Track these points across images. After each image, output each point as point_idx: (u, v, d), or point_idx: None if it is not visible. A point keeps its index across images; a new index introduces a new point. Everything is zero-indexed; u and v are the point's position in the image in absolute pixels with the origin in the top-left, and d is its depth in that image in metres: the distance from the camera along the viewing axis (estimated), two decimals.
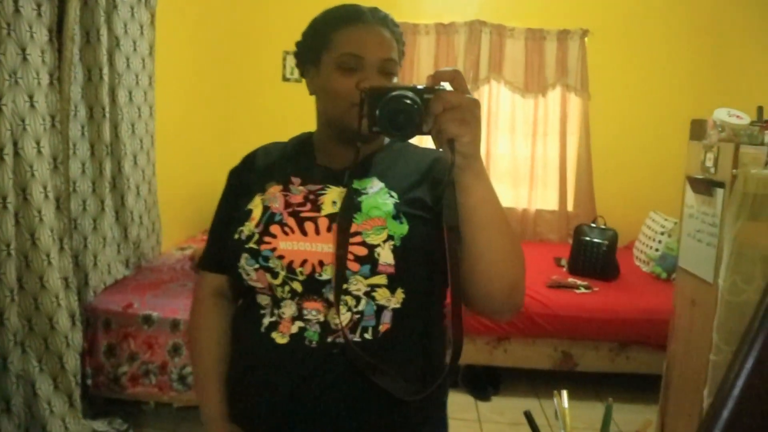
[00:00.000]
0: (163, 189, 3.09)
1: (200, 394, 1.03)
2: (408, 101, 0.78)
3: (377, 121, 0.80)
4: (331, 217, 0.93)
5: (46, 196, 2.09)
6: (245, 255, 0.93)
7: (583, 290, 3.10)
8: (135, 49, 2.70)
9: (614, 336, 2.94)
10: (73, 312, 2.22)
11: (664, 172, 3.78)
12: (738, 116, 2.02)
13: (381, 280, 0.89)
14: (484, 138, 3.11)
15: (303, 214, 0.94)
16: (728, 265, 1.86)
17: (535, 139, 4.06)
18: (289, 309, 0.92)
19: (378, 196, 0.94)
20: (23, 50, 1.94)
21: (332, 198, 0.95)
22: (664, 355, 2.31)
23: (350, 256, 0.89)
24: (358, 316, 0.90)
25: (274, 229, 0.94)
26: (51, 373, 2.14)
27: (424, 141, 0.96)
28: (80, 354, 2.26)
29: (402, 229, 0.90)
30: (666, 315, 2.46)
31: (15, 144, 1.96)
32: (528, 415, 0.72)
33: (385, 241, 0.88)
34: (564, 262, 3.50)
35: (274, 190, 0.99)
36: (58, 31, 2.13)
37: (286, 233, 0.93)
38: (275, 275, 0.92)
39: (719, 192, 1.95)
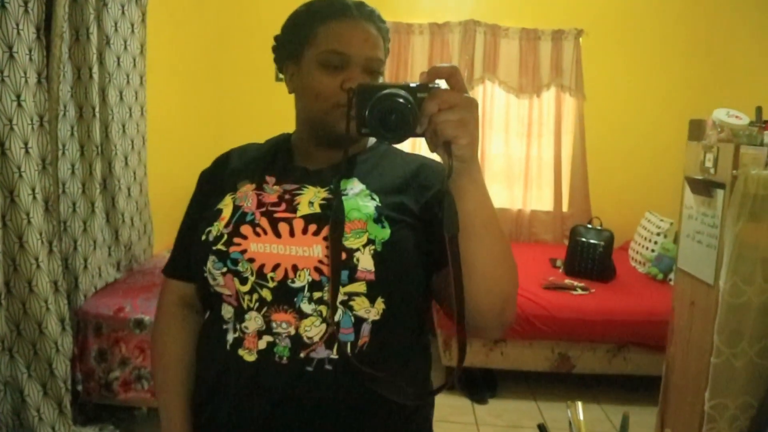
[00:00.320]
0: (155, 190, 3.04)
1: (163, 416, 0.95)
2: (400, 100, 0.72)
3: (367, 122, 0.73)
4: (307, 218, 0.86)
5: (35, 198, 2.03)
6: (212, 257, 0.86)
7: (579, 291, 3.08)
8: (125, 48, 2.65)
9: (611, 337, 2.92)
10: (63, 316, 2.17)
11: (659, 172, 3.78)
12: (737, 116, 2.01)
13: (359, 287, 0.82)
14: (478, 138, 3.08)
15: (277, 215, 0.88)
16: (729, 267, 1.84)
17: (529, 139, 4.04)
18: (253, 322, 0.84)
19: (359, 198, 0.88)
20: (10, 48, 1.89)
21: (309, 198, 0.89)
22: (661, 357, 2.29)
23: (326, 261, 0.83)
24: (334, 328, 0.83)
25: (245, 229, 0.87)
26: (40, 379, 2.08)
27: (417, 144, 0.89)
28: (70, 359, 2.21)
29: (383, 233, 0.84)
30: (663, 316, 2.44)
31: (2, 144, 1.91)
32: (542, 429, 0.69)
33: (365, 246, 0.82)
34: (560, 263, 3.48)
35: (247, 189, 0.93)
36: (46, 28, 2.08)
37: (257, 234, 0.86)
38: (244, 281, 0.85)
39: (719, 193, 1.93)
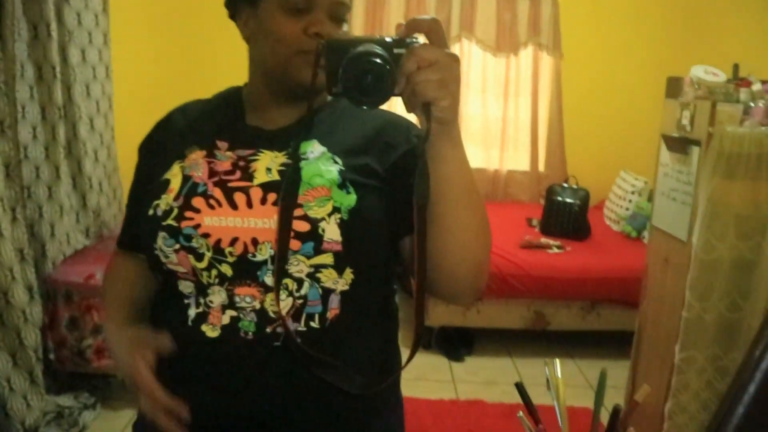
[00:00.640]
0: (125, 154, 2.94)
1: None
2: (377, 60, 0.65)
3: (340, 83, 0.66)
4: (265, 186, 0.79)
5: None
6: (162, 234, 0.79)
7: (555, 250, 3.11)
8: (86, 5, 2.52)
9: (585, 295, 2.97)
10: (31, 285, 2.11)
11: (635, 131, 3.79)
12: (714, 74, 2.00)
13: (326, 259, 0.77)
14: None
15: (231, 184, 0.80)
16: (702, 224, 1.86)
17: (506, 99, 4.00)
18: (218, 296, 0.79)
19: (320, 162, 0.81)
20: None
21: (266, 164, 0.82)
22: (634, 313, 2.33)
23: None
24: (300, 301, 0.78)
25: (197, 202, 0.79)
26: (9, 349, 2.04)
27: (391, 102, 0.83)
28: (40, 328, 2.16)
29: (349, 199, 0.78)
30: (636, 273, 2.48)
31: None
32: (520, 387, 0.68)
33: (330, 214, 0.77)
34: (536, 222, 3.50)
35: (196, 156, 0.84)
36: None
37: (211, 207, 0.79)
38: (200, 257, 0.78)
39: (695, 150, 1.94)
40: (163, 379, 0.84)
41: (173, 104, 0.97)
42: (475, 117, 4.03)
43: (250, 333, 0.78)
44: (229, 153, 0.84)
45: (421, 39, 0.68)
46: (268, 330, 0.78)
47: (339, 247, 0.77)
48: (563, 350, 3.10)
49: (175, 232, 0.79)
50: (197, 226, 0.78)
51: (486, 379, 2.81)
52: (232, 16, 0.88)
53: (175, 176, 0.83)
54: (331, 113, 0.89)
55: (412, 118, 0.77)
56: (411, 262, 0.85)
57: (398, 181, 0.82)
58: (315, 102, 0.86)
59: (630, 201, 3.52)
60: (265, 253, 0.77)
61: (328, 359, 0.79)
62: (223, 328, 0.78)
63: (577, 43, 3.90)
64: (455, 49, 3.89)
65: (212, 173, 0.82)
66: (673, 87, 2.15)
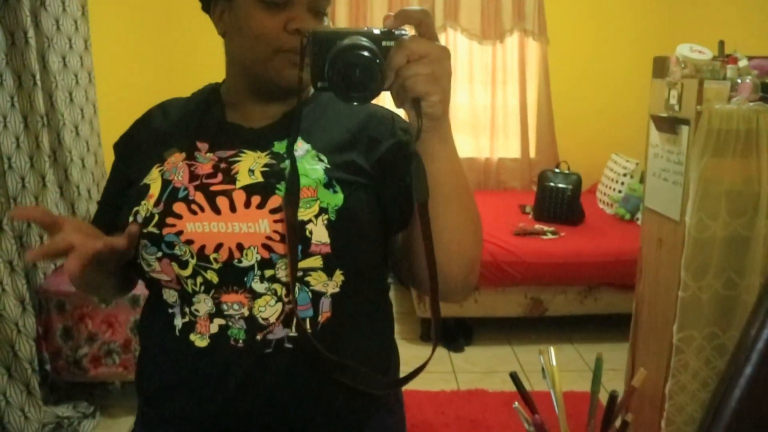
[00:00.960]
0: (113, 161, 2.91)
1: None
2: (366, 54, 0.61)
3: (327, 78, 0.63)
4: (248, 189, 0.77)
5: None
6: (144, 242, 0.77)
7: (549, 236, 3.11)
8: (64, 9, 2.49)
9: (582, 279, 2.97)
10: (22, 296, 2.09)
11: (625, 113, 3.78)
12: (700, 51, 1.99)
13: (315, 262, 0.75)
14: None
15: (214, 188, 0.78)
16: (694, 203, 1.85)
17: (494, 86, 3.99)
18: (203, 304, 0.77)
19: (305, 160, 0.78)
20: None
21: (248, 165, 0.79)
22: (631, 295, 2.33)
23: (275, 236, 0.74)
24: (290, 306, 0.76)
25: (179, 207, 0.77)
26: (3, 362, 2.02)
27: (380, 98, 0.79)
28: (34, 339, 2.14)
29: (336, 199, 0.76)
30: (631, 255, 2.48)
31: None
32: (514, 377, 0.67)
33: (317, 216, 0.74)
34: (529, 209, 3.50)
35: (176, 160, 0.81)
36: None
37: (193, 212, 0.76)
38: (183, 265, 0.76)
39: (684, 129, 1.93)
40: (154, 390, 0.83)
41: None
42: (464, 106, 4.02)
43: (241, 341, 0.76)
44: (209, 155, 0.81)
45: (410, 31, 0.65)
46: (258, 337, 0.76)
47: (327, 249, 0.75)
48: (562, 335, 3.10)
49: (156, 240, 0.76)
50: (179, 233, 0.76)
51: (486, 369, 2.81)
52: (206, 8, 0.85)
53: (154, 181, 0.80)
54: (314, 109, 0.86)
55: (400, 112, 0.75)
56: (401, 258, 0.84)
57: (384, 176, 0.81)
58: (294, 98, 0.83)
59: (622, 183, 3.52)
60: (251, 258, 0.75)
61: (343, 360, 0.77)
62: (212, 337, 0.77)
63: (563, 28, 3.89)
64: (440, 38, 3.86)
65: (193, 177, 0.79)
66: (660, 67, 2.14)
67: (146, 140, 0.87)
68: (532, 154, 4.09)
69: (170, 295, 0.79)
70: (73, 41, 2.55)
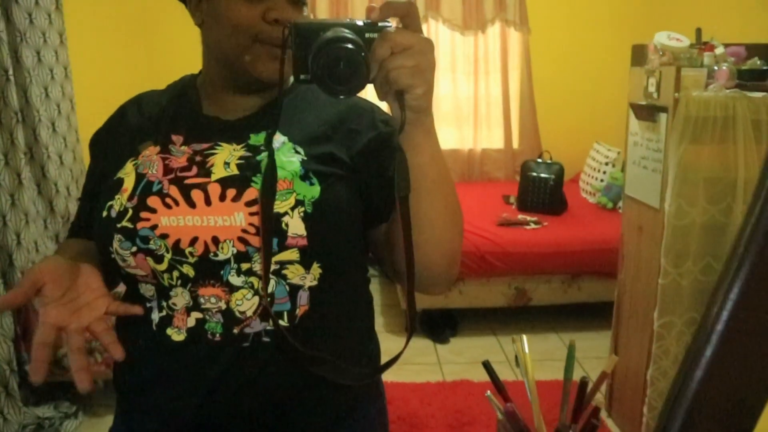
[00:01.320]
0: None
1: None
2: (350, 46, 0.60)
3: (310, 71, 0.62)
4: (223, 182, 0.76)
5: None
6: (118, 236, 0.75)
7: (533, 226, 3.12)
8: (37, 3, 2.43)
9: (565, 268, 2.99)
10: None
11: (606, 102, 3.80)
12: (678, 39, 2.00)
13: (292, 255, 0.74)
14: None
15: (188, 181, 0.77)
16: (673, 190, 1.87)
17: (476, 77, 3.99)
18: (181, 298, 0.76)
19: (281, 153, 0.78)
20: None
21: (224, 158, 0.78)
22: (614, 283, 2.35)
23: (251, 229, 0.74)
24: (267, 299, 0.75)
25: (153, 201, 0.76)
26: None
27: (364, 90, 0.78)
28: (13, 340, 2.11)
29: (313, 191, 0.75)
30: (614, 244, 2.50)
31: None
32: (487, 366, 0.67)
33: (293, 208, 0.74)
34: (513, 199, 3.51)
35: (150, 153, 0.80)
36: None
37: (168, 206, 0.75)
38: (159, 259, 0.75)
39: (663, 117, 1.94)
40: (132, 385, 0.82)
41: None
42: (446, 97, 4.01)
43: (218, 335, 0.75)
44: (184, 147, 0.80)
45: (394, 23, 0.64)
46: (236, 331, 0.75)
47: (304, 242, 0.74)
48: (546, 325, 3.12)
49: (131, 234, 0.75)
50: (154, 227, 0.75)
51: (472, 359, 2.82)
52: None
53: (128, 175, 0.79)
54: (292, 101, 0.85)
55: (382, 104, 0.74)
56: (381, 251, 0.83)
57: (365, 169, 0.80)
58: (273, 91, 0.83)
59: (604, 172, 3.54)
60: (227, 251, 0.74)
61: (318, 354, 0.76)
62: (189, 330, 0.76)
63: (544, 17, 3.89)
64: (422, 30, 3.85)
65: (167, 170, 0.78)
66: (639, 55, 2.15)
67: (121, 134, 0.86)
68: (516, 144, 4.10)
69: (147, 290, 0.79)
70: (48, 35, 2.51)
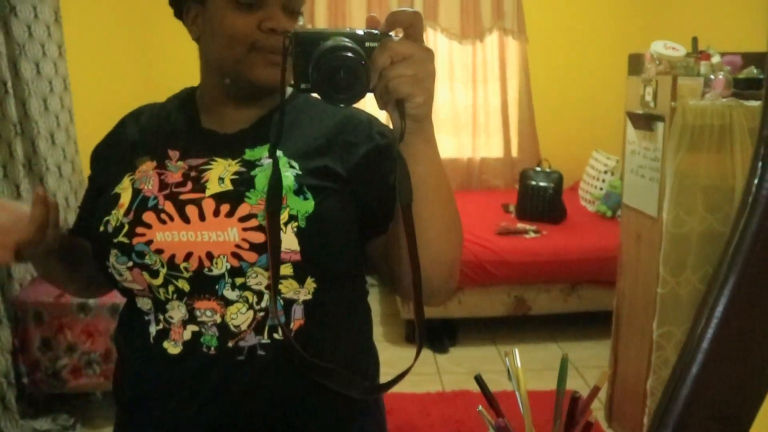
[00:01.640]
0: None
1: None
2: (350, 55, 0.61)
3: (311, 80, 0.63)
4: (217, 197, 0.77)
5: None
6: (114, 251, 0.77)
7: (532, 235, 3.12)
8: (36, 16, 2.45)
9: (565, 277, 2.98)
10: None
11: (605, 110, 3.80)
12: (674, 48, 2.00)
13: (285, 270, 0.74)
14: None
15: (183, 197, 0.77)
16: (671, 198, 1.87)
17: (475, 86, 4.00)
18: (177, 311, 0.77)
19: None
20: None
21: (218, 173, 0.79)
22: (613, 292, 2.35)
23: (244, 245, 0.74)
24: (262, 314, 0.76)
25: (148, 217, 0.77)
26: None
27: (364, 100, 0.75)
28: (10, 352, 2.10)
29: (306, 206, 0.75)
30: (613, 252, 2.49)
31: None
32: (479, 380, 0.67)
33: (286, 223, 0.73)
34: (512, 208, 3.50)
35: (147, 168, 0.81)
36: None
37: (163, 221, 0.76)
38: (154, 274, 0.76)
39: (660, 126, 1.94)
40: (131, 397, 0.83)
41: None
42: (445, 106, 4.02)
43: (213, 348, 0.76)
44: (180, 163, 0.81)
45: (397, 33, 0.65)
46: (230, 344, 0.75)
47: (297, 257, 0.74)
48: (546, 334, 3.11)
49: (127, 250, 0.76)
50: (149, 242, 0.76)
51: (471, 369, 2.81)
52: (178, 14, 0.84)
53: (125, 190, 0.80)
54: (288, 113, 0.84)
55: (381, 114, 0.74)
56: (381, 264, 0.83)
57: (363, 181, 0.80)
58: (272, 101, 0.83)
59: (603, 181, 3.54)
60: (221, 266, 0.75)
61: (327, 365, 0.77)
62: (185, 344, 0.77)
63: (542, 26, 3.91)
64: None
65: (163, 186, 0.79)
66: (635, 64, 2.16)
67: (119, 148, 0.86)
68: (514, 152, 4.10)
69: (144, 303, 0.80)
70: (47, 48, 2.52)
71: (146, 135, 0.86)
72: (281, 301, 0.76)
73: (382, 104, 0.66)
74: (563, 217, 3.37)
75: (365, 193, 0.80)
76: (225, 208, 0.76)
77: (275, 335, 0.76)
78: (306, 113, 0.86)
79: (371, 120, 0.87)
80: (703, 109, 1.82)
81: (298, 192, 0.76)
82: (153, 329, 0.79)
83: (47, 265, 0.87)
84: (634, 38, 3.36)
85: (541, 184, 3.35)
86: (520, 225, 3.22)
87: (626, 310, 2.22)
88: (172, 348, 0.77)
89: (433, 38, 3.91)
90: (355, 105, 0.70)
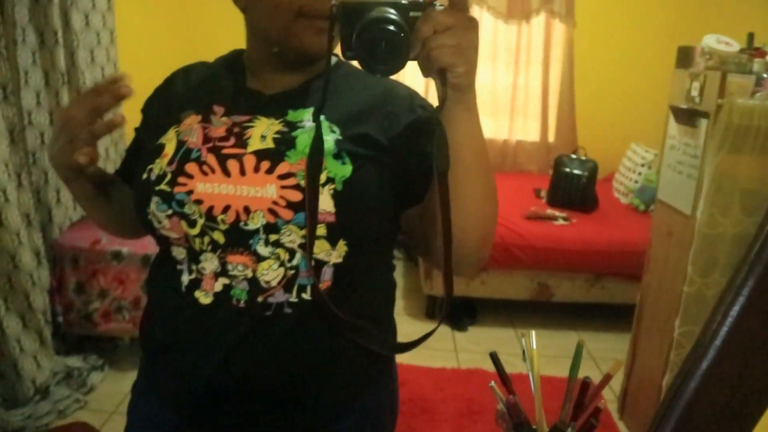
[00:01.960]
0: (131, 120, 2.94)
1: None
2: (392, 28, 0.63)
3: (353, 49, 0.65)
4: (258, 154, 0.78)
5: None
6: (156, 199, 0.79)
7: (561, 222, 3.09)
8: None
9: (590, 267, 2.96)
10: (38, 250, 2.15)
11: (647, 102, 3.71)
12: (727, 43, 1.94)
13: (320, 230, 0.76)
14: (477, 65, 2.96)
15: (225, 151, 0.79)
16: (707, 198, 1.83)
17: (517, 67, 3.93)
18: (210, 263, 0.79)
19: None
20: None
21: (261, 131, 0.80)
22: (637, 286, 2.33)
23: (281, 202, 0.76)
24: (292, 272, 0.78)
25: (191, 168, 0.79)
26: (18, 311, 2.09)
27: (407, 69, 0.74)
28: (48, 292, 2.21)
29: (344, 170, 0.77)
30: (641, 247, 2.46)
31: None
32: (494, 357, 0.69)
33: (323, 185, 0.75)
34: (543, 193, 3.48)
35: (192, 122, 0.83)
36: None
37: (204, 173, 0.78)
38: (192, 224, 0.78)
39: (703, 122, 1.90)
40: (157, 343, 0.86)
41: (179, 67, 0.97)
42: (485, 86, 3.97)
43: (242, 301, 0.78)
44: (224, 119, 0.83)
45: (443, 2, 0.66)
46: (260, 299, 0.78)
47: (332, 218, 0.75)
48: (566, 322, 3.11)
49: (167, 198, 0.79)
50: (190, 192, 0.78)
51: (488, 349, 2.79)
52: None
53: (170, 141, 0.82)
54: (332, 80, 0.86)
55: (420, 85, 0.75)
56: (414, 232, 0.85)
57: (402, 152, 0.81)
58: (315, 68, 0.85)
59: (639, 174, 3.48)
60: (257, 222, 0.76)
61: (359, 322, 0.80)
62: (216, 295, 0.79)
63: (591, 11, 3.80)
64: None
65: (206, 139, 0.81)
66: (684, 57, 2.10)
67: (167, 102, 0.89)
68: (551, 138, 4.05)
69: (179, 252, 0.82)
70: (96, 0, 2.57)
71: (193, 91, 0.89)
72: (312, 262, 0.78)
73: (425, 72, 0.67)
74: (594, 206, 3.33)
75: (404, 163, 0.81)
76: (265, 165, 0.77)
77: (303, 295, 0.79)
78: (349, 81, 0.87)
79: (413, 94, 0.88)
80: (750, 109, 1.77)
81: (337, 156, 0.77)
82: (185, 278, 0.81)
83: (91, 196, 0.92)
84: (685, 30, 3.25)
85: (576, 171, 3.30)
86: (550, 211, 3.20)
87: (649, 305, 2.20)
88: (204, 298, 0.79)
89: (477, 16, 3.84)
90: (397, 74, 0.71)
